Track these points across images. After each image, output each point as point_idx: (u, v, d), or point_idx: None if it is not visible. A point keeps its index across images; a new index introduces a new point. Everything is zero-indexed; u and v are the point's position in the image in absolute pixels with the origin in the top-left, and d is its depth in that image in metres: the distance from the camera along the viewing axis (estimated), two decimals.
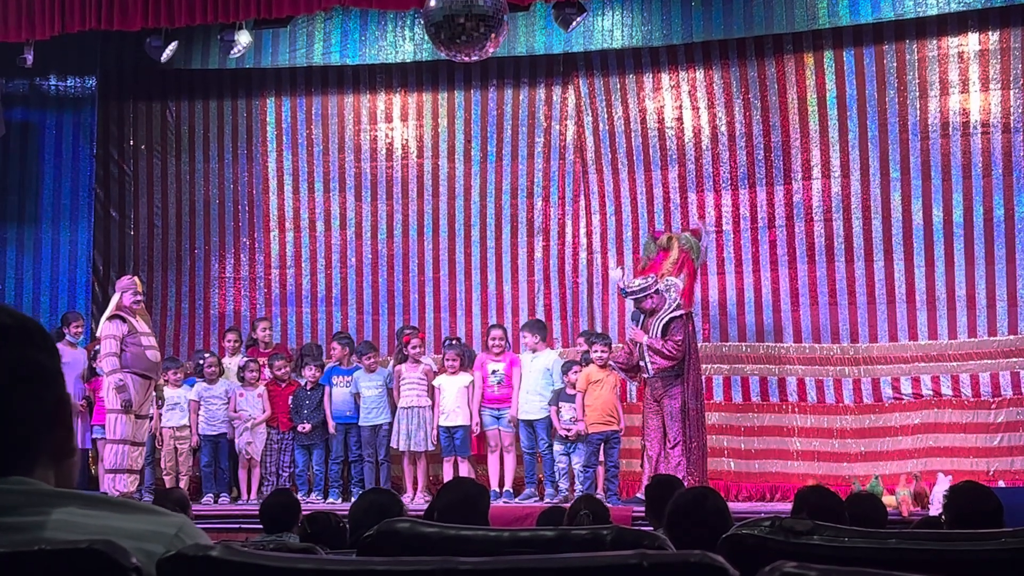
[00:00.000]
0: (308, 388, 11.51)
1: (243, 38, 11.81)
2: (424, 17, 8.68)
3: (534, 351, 11.20)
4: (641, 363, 10.52)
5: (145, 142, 13.33)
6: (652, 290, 10.46)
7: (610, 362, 10.79)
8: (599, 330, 11.98)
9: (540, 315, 12.25)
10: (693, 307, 11.00)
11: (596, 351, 10.79)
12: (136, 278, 11.08)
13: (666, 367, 10.36)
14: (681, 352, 10.36)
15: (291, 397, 11.55)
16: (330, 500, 11.22)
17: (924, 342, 11.27)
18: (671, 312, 10.44)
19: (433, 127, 12.94)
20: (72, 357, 11.21)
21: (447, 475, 10.92)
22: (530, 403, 11.05)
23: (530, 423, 11.09)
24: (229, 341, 12.22)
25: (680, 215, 12.08)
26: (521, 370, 11.15)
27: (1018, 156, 11.08)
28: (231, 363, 11.84)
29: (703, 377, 11.19)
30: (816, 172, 11.71)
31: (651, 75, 12.28)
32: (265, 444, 11.50)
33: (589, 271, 12.46)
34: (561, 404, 10.90)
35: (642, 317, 10.60)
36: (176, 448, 11.48)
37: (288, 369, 11.69)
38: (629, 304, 10.98)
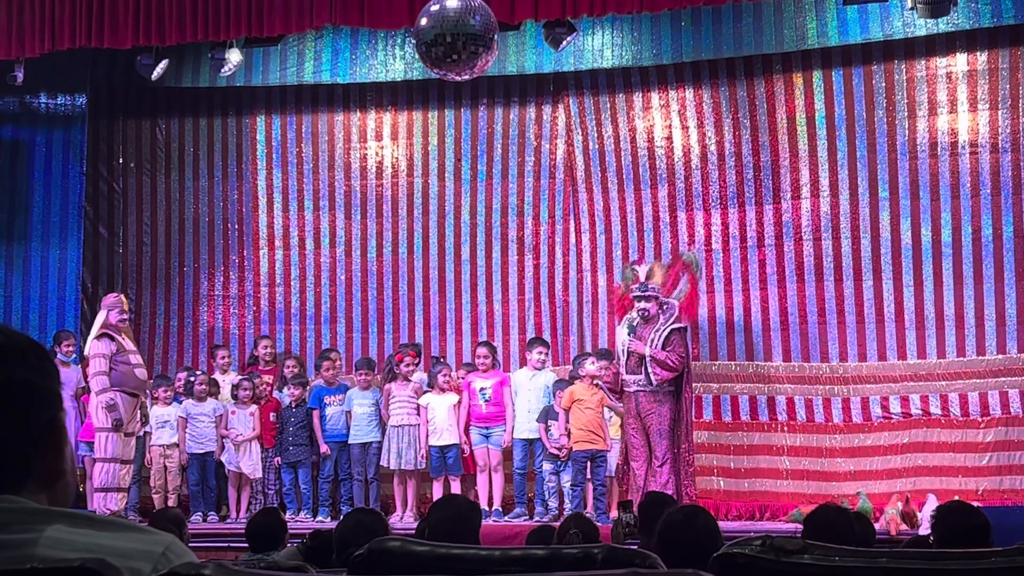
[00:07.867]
0: (293, 407, 11.47)
1: (234, 56, 11.81)
2: (415, 36, 8.69)
3: (539, 368, 11.17)
4: (630, 377, 10.47)
5: (135, 160, 13.32)
6: (661, 299, 10.51)
7: (596, 382, 10.76)
8: (587, 349, 11.97)
9: (531, 333, 12.25)
10: (697, 321, 11.06)
11: (591, 362, 10.75)
12: (122, 296, 11.05)
13: (667, 379, 10.36)
14: (683, 364, 10.41)
15: (272, 415, 11.52)
16: (319, 519, 11.17)
17: (913, 361, 11.28)
18: (671, 324, 10.46)
19: (423, 145, 12.95)
20: (65, 376, 11.12)
21: (436, 494, 10.89)
22: (531, 421, 11.01)
23: (529, 442, 11.06)
24: (221, 359, 12.19)
25: (669, 234, 12.10)
26: (515, 388, 11.13)
27: (1006, 176, 11.11)
28: (225, 380, 11.81)
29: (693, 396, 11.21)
30: (805, 192, 11.74)
31: (641, 95, 12.32)
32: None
33: (579, 290, 12.46)
34: (550, 422, 10.89)
35: (636, 327, 10.58)
36: (165, 466, 11.44)
37: (267, 387, 11.66)
38: (619, 327, 10.94)
